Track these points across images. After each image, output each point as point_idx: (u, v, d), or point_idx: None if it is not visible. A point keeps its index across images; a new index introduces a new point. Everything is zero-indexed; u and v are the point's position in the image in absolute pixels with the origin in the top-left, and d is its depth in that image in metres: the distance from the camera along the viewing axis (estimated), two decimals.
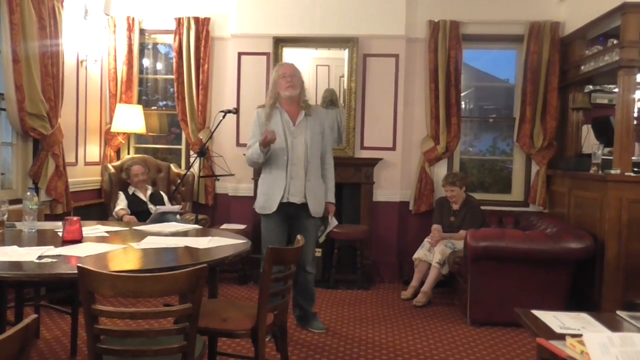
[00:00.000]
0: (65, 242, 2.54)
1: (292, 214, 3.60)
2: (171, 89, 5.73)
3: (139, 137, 5.76)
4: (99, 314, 1.83)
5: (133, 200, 4.81)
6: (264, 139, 3.39)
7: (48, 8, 4.16)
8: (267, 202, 3.57)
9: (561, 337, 1.68)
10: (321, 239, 3.76)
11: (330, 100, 5.33)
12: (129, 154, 5.65)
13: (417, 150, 5.42)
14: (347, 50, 5.25)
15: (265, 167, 3.62)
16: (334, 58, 5.36)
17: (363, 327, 3.92)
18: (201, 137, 5.35)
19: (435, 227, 4.85)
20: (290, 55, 5.28)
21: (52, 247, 2.39)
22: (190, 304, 1.85)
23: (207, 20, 5.38)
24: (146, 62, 5.80)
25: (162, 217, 4.30)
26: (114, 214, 4.74)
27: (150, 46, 5.80)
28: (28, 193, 2.86)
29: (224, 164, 5.08)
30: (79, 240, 2.59)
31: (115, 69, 5.46)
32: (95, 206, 5.11)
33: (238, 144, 5.34)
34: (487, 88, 6.37)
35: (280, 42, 5.28)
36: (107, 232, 2.93)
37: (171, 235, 2.90)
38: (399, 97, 5.29)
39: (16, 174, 4.28)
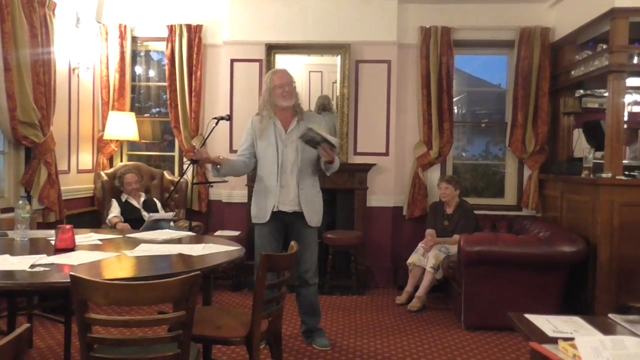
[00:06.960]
0: (58, 251, 2.53)
1: (287, 223, 3.46)
2: (164, 96, 5.73)
3: (132, 145, 5.75)
4: (92, 323, 1.82)
5: (126, 208, 4.79)
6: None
7: (39, 16, 4.15)
8: (260, 212, 3.45)
9: (554, 340, 1.69)
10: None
11: (322, 106, 5.33)
12: (121, 161, 5.63)
13: (410, 155, 5.44)
14: (339, 56, 5.27)
15: (258, 175, 3.52)
16: (327, 64, 5.38)
17: (358, 332, 3.92)
18: (194, 144, 5.34)
19: (429, 232, 4.86)
20: (282, 61, 5.28)
21: (44, 255, 2.38)
22: (184, 312, 1.85)
23: (199, 28, 5.38)
24: (139, 69, 5.80)
25: (156, 225, 4.29)
26: (107, 221, 4.72)
27: (142, 53, 5.79)
28: (20, 201, 2.84)
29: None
30: (71, 248, 2.58)
31: (108, 76, 5.45)
32: (88, 214, 5.09)
33: (231, 151, 5.33)
34: (479, 93, 6.42)
35: (272, 48, 5.29)
36: (100, 240, 2.91)
37: (165, 242, 2.90)
38: (391, 102, 5.31)
39: (8, 182, 4.26)
